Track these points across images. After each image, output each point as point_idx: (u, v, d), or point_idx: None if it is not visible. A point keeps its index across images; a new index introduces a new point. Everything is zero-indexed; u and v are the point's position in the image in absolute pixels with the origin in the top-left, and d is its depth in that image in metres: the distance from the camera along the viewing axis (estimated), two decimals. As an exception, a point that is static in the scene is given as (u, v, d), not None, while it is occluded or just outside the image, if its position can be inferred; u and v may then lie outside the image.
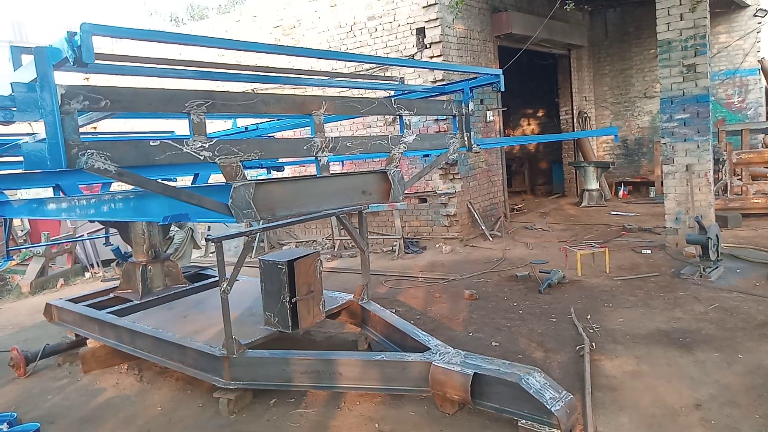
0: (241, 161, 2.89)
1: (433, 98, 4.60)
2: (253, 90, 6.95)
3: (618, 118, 13.27)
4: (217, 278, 5.76)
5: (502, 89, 4.06)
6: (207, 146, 2.73)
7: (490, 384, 3.17)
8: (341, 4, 9.45)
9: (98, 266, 9.52)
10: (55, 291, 8.55)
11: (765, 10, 11.36)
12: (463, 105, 4.19)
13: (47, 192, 6.31)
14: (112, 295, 5.40)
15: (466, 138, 4.26)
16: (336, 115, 3.58)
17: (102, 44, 2.17)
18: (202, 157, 2.72)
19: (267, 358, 3.72)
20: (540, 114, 15.85)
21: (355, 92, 8.05)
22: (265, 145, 3.20)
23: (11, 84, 2.18)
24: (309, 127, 7.50)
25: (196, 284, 5.55)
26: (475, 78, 4.21)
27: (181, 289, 5.36)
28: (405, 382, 3.45)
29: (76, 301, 5.34)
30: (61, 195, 5.28)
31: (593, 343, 4.37)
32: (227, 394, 3.71)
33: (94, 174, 2.43)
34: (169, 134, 6.29)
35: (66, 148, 2.27)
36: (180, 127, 7.05)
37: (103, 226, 8.07)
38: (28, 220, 10.56)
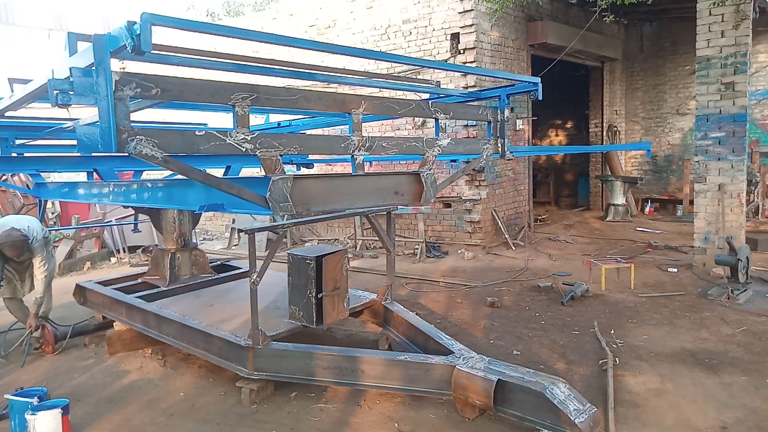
0: (280, 155, 2.94)
1: (469, 103, 4.61)
2: (286, 86, 7.01)
3: (648, 134, 13.08)
4: (242, 270, 5.86)
5: (540, 98, 4.06)
6: (249, 139, 2.79)
7: (513, 391, 3.17)
8: (377, 6, 9.52)
9: (125, 252, 9.71)
10: (81, 273, 8.74)
11: (807, 32, 11.10)
12: (498, 111, 4.20)
13: (80, 177, 6.47)
14: (139, 281, 5.51)
15: (499, 145, 4.27)
16: (374, 114, 3.61)
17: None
18: (243, 149, 2.78)
19: (291, 351, 3.76)
20: (569, 125, 15.72)
21: (385, 93, 8.09)
22: (304, 141, 3.25)
23: (70, 68, 2.25)
24: (340, 127, 7.55)
25: (222, 274, 5.63)
26: (513, 85, 4.22)
27: (207, 279, 5.45)
28: (427, 384, 3.46)
29: (105, 284, 5.45)
30: (95, 179, 5.42)
31: (616, 359, 4.32)
32: (250, 384, 3.76)
33: (140, 159, 2.50)
34: (203, 126, 6.41)
35: (117, 133, 2.33)
36: (212, 119, 7.14)
37: (132, 213, 8.26)
38: (60, 202, 10.83)
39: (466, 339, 4.93)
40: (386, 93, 8.08)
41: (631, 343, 4.70)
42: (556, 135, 16.06)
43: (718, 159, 6.89)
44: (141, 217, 7.37)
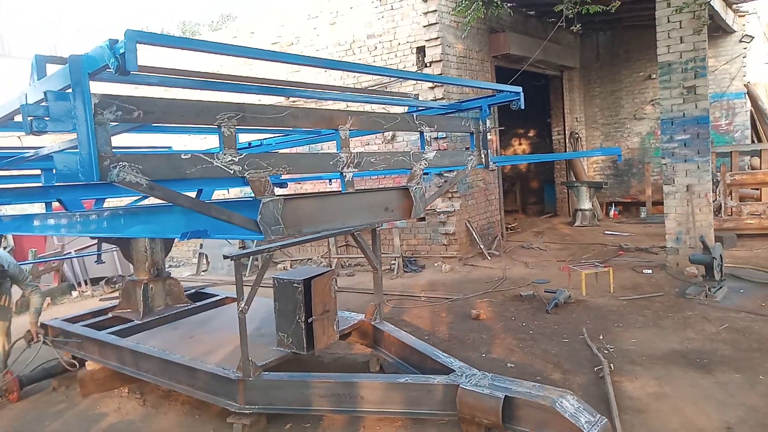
0: (269, 176, 2.80)
1: (449, 115, 4.57)
2: (273, 104, 6.83)
3: (608, 139, 13.43)
4: (219, 297, 5.62)
5: (522, 107, 4.04)
6: (237, 160, 2.64)
7: (521, 407, 3.08)
8: (341, 21, 9.46)
9: (87, 284, 9.23)
10: (42, 310, 8.22)
11: (751, 36, 11.65)
12: (480, 122, 4.16)
13: (34, 208, 6.07)
14: (111, 315, 5.20)
15: (483, 155, 4.22)
16: (360, 130, 3.51)
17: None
18: (231, 171, 2.63)
19: (285, 380, 3.58)
20: (531, 134, 15.99)
21: (353, 106, 7.99)
22: (292, 160, 3.11)
23: (45, 92, 2.07)
24: (310, 146, 7.33)
25: (198, 303, 5.38)
26: (494, 95, 4.19)
27: (184, 309, 5.19)
28: (430, 405, 3.33)
29: (73, 320, 5.13)
30: (54, 210, 5.10)
31: (611, 364, 4.30)
32: (242, 419, 3.55)
33: (120, 187, 2.32)
34: (167, 149, 6.15)
35: (98, 160, 2.15)
36: (176, 142, 6.86)
37: (93, 243, 7.85)
38: (13, 236, 10.26)
39: (458, 354, 4.81)
40: (354, 107, 7.99)
41: (621, 348, 4.70)
42: (519, 144, 16.32)
43: (685, 161, 7.07)
44: (104, 246, 7.00)
